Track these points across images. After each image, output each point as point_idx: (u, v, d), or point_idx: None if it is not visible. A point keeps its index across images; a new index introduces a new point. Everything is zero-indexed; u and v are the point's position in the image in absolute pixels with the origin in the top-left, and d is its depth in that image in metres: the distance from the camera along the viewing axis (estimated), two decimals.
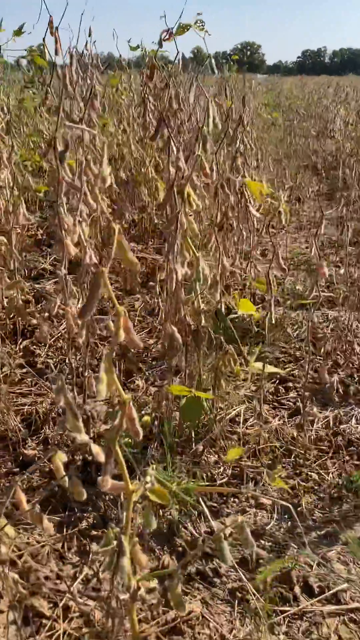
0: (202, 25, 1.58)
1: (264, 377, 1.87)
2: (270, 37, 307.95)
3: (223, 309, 1.71)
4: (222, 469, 1.83)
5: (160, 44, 1.86)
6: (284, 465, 1.88)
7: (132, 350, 1.88)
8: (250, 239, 2.53)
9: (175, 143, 1.55)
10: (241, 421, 2.01)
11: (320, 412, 2.13)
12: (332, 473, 1.84)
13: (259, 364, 1.81)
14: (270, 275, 1.75)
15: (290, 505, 1.41)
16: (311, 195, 5.47)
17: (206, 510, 1.62)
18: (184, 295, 1.69)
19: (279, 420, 2.06)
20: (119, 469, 1.03)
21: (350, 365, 2.44)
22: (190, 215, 1.61)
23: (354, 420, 2.08)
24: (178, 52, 2.06)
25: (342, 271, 3.32)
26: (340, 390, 2.22)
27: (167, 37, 1.99)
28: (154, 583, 1.19)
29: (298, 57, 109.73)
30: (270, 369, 1.87)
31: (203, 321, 1.73)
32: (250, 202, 2.29)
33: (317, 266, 1.59)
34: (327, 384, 1.92)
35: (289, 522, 1.66)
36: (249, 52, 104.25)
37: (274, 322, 1.84)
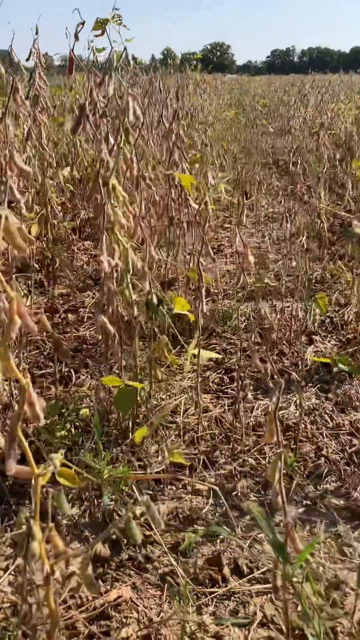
0: (119, 20, 1.60)
1: (200, 365, 1.89)
2: (240, 38, 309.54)
3: (155, 300, 1.72)
4: (160, 457, 1.85)
5: (76, 37, 1.87)
6: (222, 451, 1.90)
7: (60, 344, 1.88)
8: (192, 232, 2.55)
9: (97, 136, 1.56)
10: (181, 411, 2.04)
11: (262, 399, 2.16)
12: (268, 458, 1.87)
13: (195, 350, 1.83)
14: (218, 269, 1.78)
15: (216, 488, 1.44)
16: (269, 191, 5.53)
17: (140, 497, 1.63)
18: (115, 287, 1.70)
19: (220, 409, 2.09)
20: (26, 455, 1.05)
21: (295, 354, 2.48)
22: (116, 206, 1.63)
23: (292, 406, 2.12)
24: (112, 48, 2.07)
25: (294, 263, 3.37)
26: (281, 378, 2.26)
27: (80, 29, 2.01)
28: (74, 568, 1.20)
29: (267, 57, 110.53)
30: (207, 354, 1.90)
31: (135, 312, 1.75)
32: (190, 195, 2.32)
33: (242, 254, 1.62)
34: (262, 371, 1.94)
35: (224, 507, 1.69)
36: (218, 53, 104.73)
37: (207, 313, 1.86)
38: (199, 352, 1.83)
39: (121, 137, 1.56)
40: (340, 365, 1.76)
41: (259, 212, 4.90)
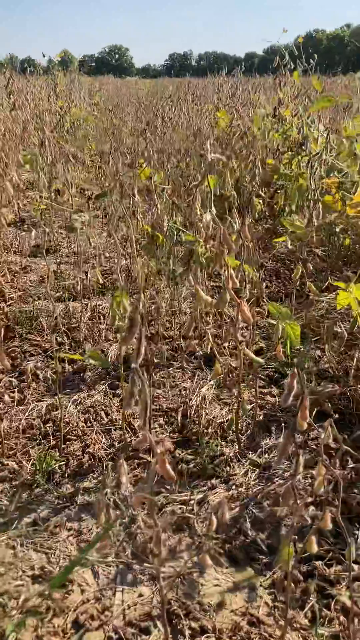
0: None
1: None
2: (139, 42, 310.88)
3: None
4: None
5: None
6: None
7: None
8: None
9: None
10: None
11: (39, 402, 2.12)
12: (33, 459, 1.82)
13: None
14: None
15: None
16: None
17: None
18: None
19: None
20: None
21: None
22: None
23: (71, 405, 2.09)
24: None
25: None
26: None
27: None
28: None
29: (166, 60, 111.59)
30: None
31: None
32: None
33: None
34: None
35: None
36: (117, 55, 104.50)
37: None
38: None
39: None
40: (91, 361, 1.75)
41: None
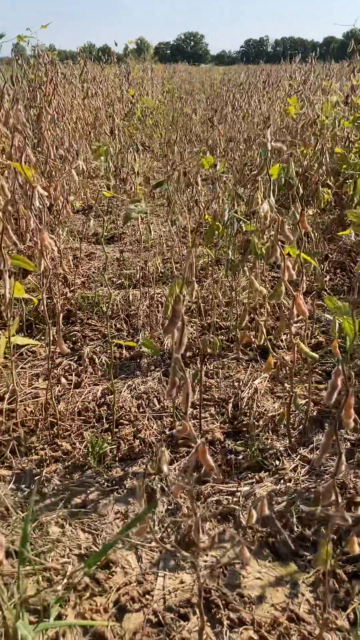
0: None
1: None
2: (214, 27, 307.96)
3: None
4: None
5: None
6: (44, 437, 1.90)
7: None
8: None
9: None
10: (6, 398, 2.03)
11: (95, 387, 2.16)
12: (86, 442, 1.86)
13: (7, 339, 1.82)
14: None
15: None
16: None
17: None
18: None
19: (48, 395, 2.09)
20: None
21: (157, 338, 2.48)
22: None
23: (126, 390, 2.12)
24: None
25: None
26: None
27: None
28: None
29: (241, 47, 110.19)
30: (22, 340, 1.89)
31: None
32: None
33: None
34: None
35: (26, 491, 1.69)
36: (192, 42, 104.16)
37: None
38: (9, 338, 1.82)
39: None
40: (145, 350, 1.76)
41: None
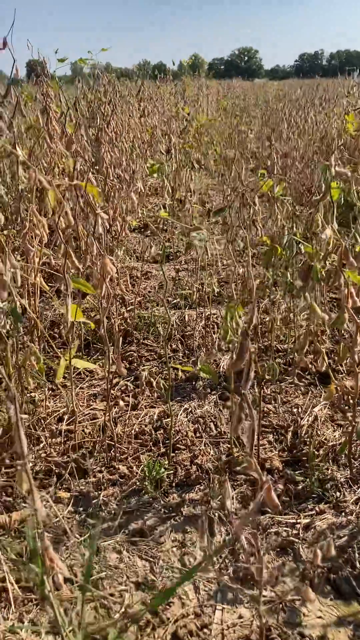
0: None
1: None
2: (268, 42, 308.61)
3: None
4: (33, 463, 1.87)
5: None
6: (102, 459, 1.91)
7: None
8: None
9: None
10: (65, 419, 2.05)
11: (152, 408, 2.16)
12: (143, 465, 1.86)
13: (67, 361, 1.84)
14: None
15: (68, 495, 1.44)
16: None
17: None
18: None
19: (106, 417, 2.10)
20: None
21: (213, 362, 2.47)
22: None
23: (182, 414, 2.11)
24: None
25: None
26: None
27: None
28: None
29: (296, 61, 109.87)
30: (81, 363, 1.91)
31: None
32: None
33: None
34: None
35: (84, 514, 1.70)
36: (246, 58, 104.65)
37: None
38: (70, 361, 1.85)
39: None
40: (202, 374, 1.76)
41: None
